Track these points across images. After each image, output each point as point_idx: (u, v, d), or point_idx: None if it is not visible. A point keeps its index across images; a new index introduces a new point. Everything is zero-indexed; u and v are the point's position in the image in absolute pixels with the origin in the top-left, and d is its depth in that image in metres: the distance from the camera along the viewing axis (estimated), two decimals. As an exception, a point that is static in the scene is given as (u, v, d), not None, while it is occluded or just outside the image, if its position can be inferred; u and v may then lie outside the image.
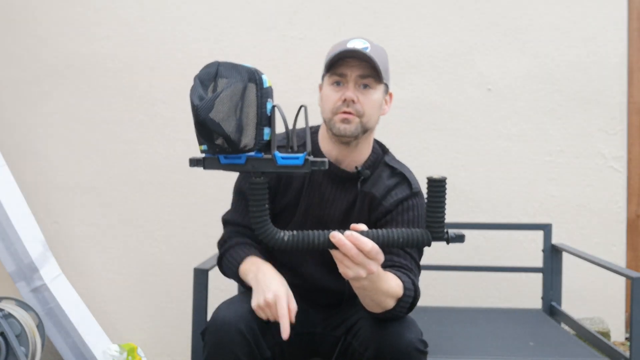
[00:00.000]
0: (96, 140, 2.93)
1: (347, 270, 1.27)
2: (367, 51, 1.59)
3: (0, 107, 2.95)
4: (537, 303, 2.67)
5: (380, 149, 1.76)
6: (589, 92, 2.86)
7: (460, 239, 1.25)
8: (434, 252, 2.83)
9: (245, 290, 1.63)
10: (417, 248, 1.37)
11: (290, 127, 1.24)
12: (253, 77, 1.17)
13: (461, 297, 2.86)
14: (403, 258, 1.58)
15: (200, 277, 1.95)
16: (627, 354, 1.93)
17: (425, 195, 1.27)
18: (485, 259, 2.84)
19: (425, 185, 1.25)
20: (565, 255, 2.55)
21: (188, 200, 2.91)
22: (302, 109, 1.20)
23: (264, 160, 1.17)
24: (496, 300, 2.86)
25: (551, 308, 2.54)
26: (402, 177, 1.70)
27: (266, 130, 1.16)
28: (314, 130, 1.76)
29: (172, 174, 2.92)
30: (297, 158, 1.16)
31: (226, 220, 1.75)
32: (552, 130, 2.87)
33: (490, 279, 2.87)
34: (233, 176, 1.77)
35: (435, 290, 2.86)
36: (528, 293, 2.79)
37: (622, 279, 2.81)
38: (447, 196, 1.25)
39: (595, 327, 2.72)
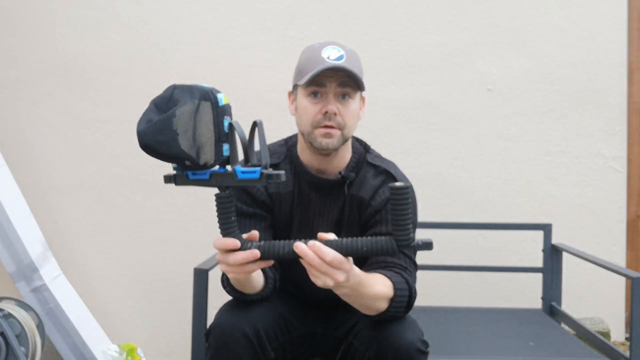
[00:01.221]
0: (96, 140, 2.93)
1: (315, 279, 1.26)
2: (344, 60, 1.54)
3: (0, 107, 2.95)
4: (537, 303, 2.67)
5: (361, 148, 1.72)
6: (589, 92, 2.87)
7: (427, 246, 1.22)
8: (434, 252, 2.83)
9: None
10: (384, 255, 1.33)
11: (261, 142, 1.22)
12: (207, 96, 1.18)
13: (461, 297, 2.86)
14: (396, 258, 1.57)
15: (200, 277, 1.95)
16: (627, 354, 1.93)
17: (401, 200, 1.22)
18: (485, 259, 2.83)
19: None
20: (565, 255, 2.55)
21: (188, 200, 2.91)
22: (257, 124, 1.20)
23: (226, 174, 1.21)
24: (496, 300, 2.86)
25: (551, 308, 2.54)
26: (386, 174, 1.67)
27: (225, 147, 1.19)
28: (293, 143, 1.72)
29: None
30: (254, 172, 1.18)
31: None
32: (552, 130, 2.87)
33: (490, 279, 2.87)
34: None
35: (435, 290, 2.86)
36: (528, 293, 2.79)
37: (622, 279, 2.81)
38: (423, 200, 1.23)
39: (595, 327, 2.72)
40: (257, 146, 1.22)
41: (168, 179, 1.25)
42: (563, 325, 2.46)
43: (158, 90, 1.26)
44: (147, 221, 2.93)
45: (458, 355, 2.00)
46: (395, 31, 2.88)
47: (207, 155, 1.18)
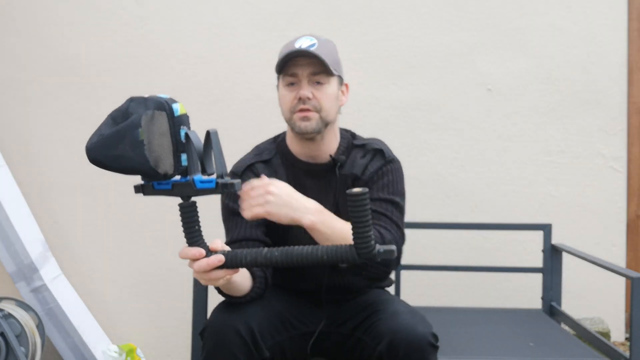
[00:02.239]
0: (96, 140, 2.93)
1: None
2: (314, 48, 1.63)
3: (1, 107, 2.95)
4: (537, 303, 2.67)
5: (348, 134, 1.80)
6: (589, 92, 2.86)
7: (389, 253, 1.17)
8: (434, 253, 2.84)
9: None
10: (341, 261, 1.29)
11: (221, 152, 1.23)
12: (162, 106, 1.17)
13: (461, 297, 2.86)
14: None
15: (200, 277, 1.94)
16: (627, 354, 1.92)
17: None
18: (485, 259, 2.83)
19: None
20: (565, 255, 2.55)
21: (188, 200, 2.91)
22: (210, 134, 1.20)
23: (186, 184, 1.21)
24: (496, 301, 2.86)
25: (551, 308, 2.54)
26: (374, 150, 1.75)
27: (183, 157, 1.19)
28: (282, 137, 1.80)
29: (172, 174, 2.92)
30: (211, 182, 1.20)
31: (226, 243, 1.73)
32: (552, 131, 2.87)
33: (490, 279, 2.87)
34: (233, 176, 1.78)
35: (435, 291, 2.86)
36: (528, 293, 2.79)
37: (622, 279, 2.81)
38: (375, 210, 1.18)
39: (595, 327, 2.72)
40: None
41: (137, 189, 1.26)
42: (563, 325, 2.46)
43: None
44: (147, 221, 2.93)
45: (458, 355, 2.00)
46: (395, 31, 2.88)
47: (166, 166, 1.18)
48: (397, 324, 1.51)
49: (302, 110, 1.65)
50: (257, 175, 1.70)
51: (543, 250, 2.58)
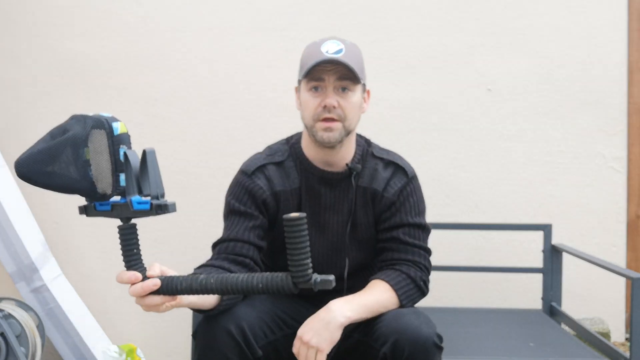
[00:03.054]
0: (96, 140, 2.93)
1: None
2: (342, 54, 1.59)
3: (1, 108, 2.95)
4: (537, 303, 2.67)
5: (363, 141, 1.77)
6: (589, 93, 2.86)
7: (326, 283, 1.15)
8: (434, 253, 2.83)
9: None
10: (278, 290, 1.25)
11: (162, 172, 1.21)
12: (101, 125, 1.15)
13: (461, 297, 2.86)
14: (397, 251, 1.68)
15: (200, 278, 1.94)
16: (627, 354, 1.92)
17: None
18: (486, 260, 2.83)
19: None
20: (565, 255, 2.55)
21: (188, 200, 2.91)
22: (146, 153, 1.18)
23: (124, 206, 1.19)
24: (496, 301, 2.86)
25: (551, 308, 2.54)
26: (395, 166, 1.74)
27: (122, 177, 1.17)
28: (296, 140, 1.75)
29: (172, 174, 2.92)
30: (146, 203, 1.18)
31: (213, 245, 1.73)
32: (552, 131, 2.87)
33: (490, 280, 2.87)
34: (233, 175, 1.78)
35: (436, 291, 2.85)
36: (528, 293, 2.79)
37: (622, 280, 2.81)
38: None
39: (596, 328, 2.72)
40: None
41: (81, 209, 1.24)
42: (563, 325, 2.46)
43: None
44: (147, 221, 2.91)
45: (458, 355, 2.00)
46: (395, 31, 2.88)
47: (105, 186, 1.16)
48: (401, 324, 1.51)
49: (326, 119, 1.60)
50: (268, 177, 1.69)
51: (543, 251, 2.58)
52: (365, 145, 1.76)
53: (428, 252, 1.73)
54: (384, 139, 1.82)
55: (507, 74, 2.87)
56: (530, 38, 2.87)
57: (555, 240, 2.63)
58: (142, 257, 1.29)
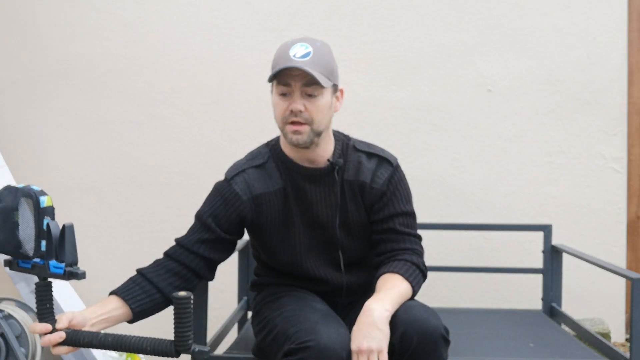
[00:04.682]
0: (96, 140, 2.93)
1: None
2: (309, 58, 1.60)
3: (1, 108, 2.95)
4: (537, 304, 2.67)
5: (342, 135, 1.80)
6: (589, 93, 2.86)
7: (203, 354, 1.33)
8: (434, 253, 2.83)
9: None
10: (182, 347, 1.35)
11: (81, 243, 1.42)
12: (30, 196, 1.34)
13: (461, 298, 2.86)
14: (395, 242, 1.71)
15: (200, 278, 1.94)
16: (627, 355, 1.92)
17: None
18: (486, 260, 2.83)
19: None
20: (565, 256, 2.55)
21: (188, 200, 2.91)
22: (65, 227, 1.37)
23: (43, 267, 1.38)
24: (496, 301, 2.86)
25: (551, 309, 2.54)
26: (378, 157, 1.76)
27: (43, 242, 1.35)
28: (276, 142, 1.79)
29: (172, 175, 2.92)
30: (60, 268, 1.36)
31: (175, 239, 1.78)
32: (552, 131, 2.87)
33: (490, 280, 2.87)
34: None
35: (436, 291, 2.86)
36: (528, 294, 2.79)
37: (622, 280, 2.81)
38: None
39: (596, 328, 2.72)
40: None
41: (6, 263, 1.41)
42: (563, 326, 2.46)
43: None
44: (147, 222, 2.93)
45: (458, 355, 2.00)
46: (396, 32, 2.88)
47: (28, 249, 1.35)
48: (410, 316, 1.53)
49: (293, 122, 1.63)
50: (247, 182, 1.73)
51: (543, 251, 2.58)
52: (345, 140, 1.78)
53: (420, 238, 1.78)
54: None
55: (507, 74, 2.87)
56: (530, 38, 2.87)
57: (555, 241, 2.62)
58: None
